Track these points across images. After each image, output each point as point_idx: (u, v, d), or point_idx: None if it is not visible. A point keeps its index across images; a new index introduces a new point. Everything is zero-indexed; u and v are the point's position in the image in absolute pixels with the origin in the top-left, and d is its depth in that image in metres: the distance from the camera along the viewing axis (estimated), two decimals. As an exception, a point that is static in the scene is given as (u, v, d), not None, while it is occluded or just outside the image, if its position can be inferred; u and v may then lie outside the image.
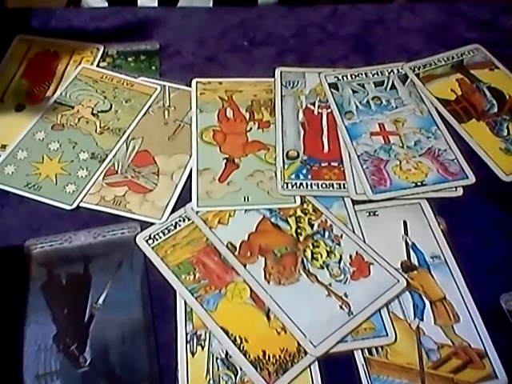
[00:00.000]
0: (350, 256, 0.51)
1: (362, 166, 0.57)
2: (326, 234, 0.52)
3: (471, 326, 0.47)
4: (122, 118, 0.62)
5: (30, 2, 0.76)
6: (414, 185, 0.56)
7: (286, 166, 0.58)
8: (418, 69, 0.67)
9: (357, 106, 0.63)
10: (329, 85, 0.65)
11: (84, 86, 0.65)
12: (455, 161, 0.58)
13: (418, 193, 0.56)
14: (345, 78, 0.66)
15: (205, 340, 0.46)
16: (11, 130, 0.60)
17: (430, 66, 0.68)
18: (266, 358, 0.45)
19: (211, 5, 0.80)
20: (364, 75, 0.67)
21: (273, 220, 0.54)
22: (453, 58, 0.69)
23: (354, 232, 0.53)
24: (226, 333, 0.46)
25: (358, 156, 0.58)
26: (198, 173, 0.57)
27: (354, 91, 0.65)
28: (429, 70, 0.67)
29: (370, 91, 0.65)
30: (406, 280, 0.49)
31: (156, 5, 0.80)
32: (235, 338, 0.46)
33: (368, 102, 0.64)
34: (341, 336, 0.45)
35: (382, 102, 0.64)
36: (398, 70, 0.67)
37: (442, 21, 0.75)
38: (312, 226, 0.53)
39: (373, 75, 0.67)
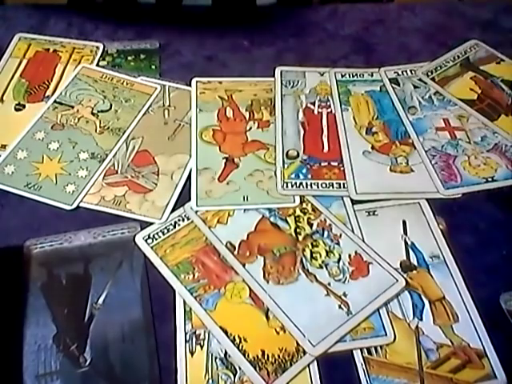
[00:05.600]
0: (349, 255, 0.51)
1: (430, 162, 0.57)
2: (325, 234, 0.52)
3: (470, 326, 0.47)
4: (122, 117, 0.62)
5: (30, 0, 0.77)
6: (484, 180, 0.56)
7: (285, 166, 0.58)
8: (431, 73, 0.66)
9: (419, 102, 0.63)
10: (389, 80, 0.65)
11: (84, 86, 0.65)
12: None
13: (490, 189, 0.55)
14: (405, 73, 0.66)
15: (204, 339, 0.46)
16: (11, 129, 0.60)
17: (441, 68, 0.67)
18: (265, 357, 0.45)
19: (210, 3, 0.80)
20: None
21: (272, 219, 0.54)
22: (458, 56, 0.68)
23: (353, 231, 0.53)
24: (225, 332, 0.46)
25: (426, 151, 0.58)
26: (198, 172, 0.57)
27: (415, 86, 0.65)
28: (441, 72, 0.66)
29: (431, 87, 0.64)
30: (405, 280, 0.49)
31: (154, 1, 0.80)
32: (234, 337, 0.46)
33: (430, 97, 0.64)
34: (340, 335, 0.46)
35: (444, 98, 0.63)
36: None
37: (442, 21, 0.75)
38: (311, 226, 0.53)
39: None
